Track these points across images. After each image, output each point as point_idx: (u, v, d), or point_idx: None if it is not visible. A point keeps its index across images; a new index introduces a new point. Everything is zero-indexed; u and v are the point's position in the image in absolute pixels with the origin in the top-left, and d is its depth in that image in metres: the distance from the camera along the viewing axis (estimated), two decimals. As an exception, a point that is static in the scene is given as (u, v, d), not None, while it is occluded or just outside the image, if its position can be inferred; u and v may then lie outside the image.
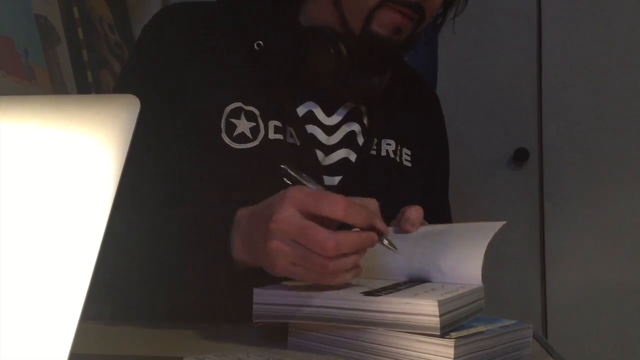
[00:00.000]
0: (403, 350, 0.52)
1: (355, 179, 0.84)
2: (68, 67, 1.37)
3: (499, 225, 0.64)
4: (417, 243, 0.67)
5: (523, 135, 1.98)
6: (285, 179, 0.64)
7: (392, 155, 0.89)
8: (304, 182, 0.63)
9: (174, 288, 0.71)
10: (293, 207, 0.58)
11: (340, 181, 0.83)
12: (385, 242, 0.61)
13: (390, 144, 0.90)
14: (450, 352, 0.50)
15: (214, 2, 0.90)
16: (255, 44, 0.83)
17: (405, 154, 0.92)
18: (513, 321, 0.59)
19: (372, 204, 0.61)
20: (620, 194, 1.92)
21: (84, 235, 0.39)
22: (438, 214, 0.99)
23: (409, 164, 0.91)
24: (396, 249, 0.62)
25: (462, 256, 0.63)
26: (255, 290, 0.61)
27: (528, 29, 1.99)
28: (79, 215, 0.40)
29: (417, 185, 0.92)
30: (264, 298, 0.60)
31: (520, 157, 1.96)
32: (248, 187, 0.78)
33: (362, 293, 0.57)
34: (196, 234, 0.69)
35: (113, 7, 1.69)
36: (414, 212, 0.70)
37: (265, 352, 0.56)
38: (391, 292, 0.57)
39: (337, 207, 0.57)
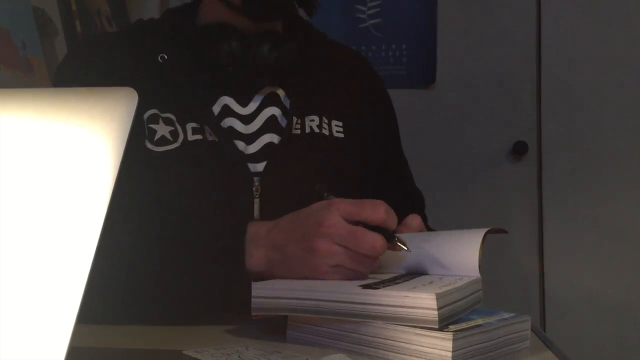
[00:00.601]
0: (402, 344, 0.52)
1: (281, 161, 0.85)
2: (66, 59, 1.36)
3: (492, 228, 0.64)
4: (415, 237, 0.67)
5: (522, 128, 1.98)
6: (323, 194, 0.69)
7: (317, 130, 0.89)
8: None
9: (178, 298, 0.70)
10: (339, 215, 0.63)
11: (265, 166, 0.84)
12: (398, 242, 0.63)
13: (313, 120, 0.90)
14: (449, 345, 0.50)
15: (120, 31, 0.95)
16: (159, 57, 0.87)
17: (336, 125, 0.92)
18: (511, 314, 0.59)
19: (382, 205, 0.65)
20: (618, 189, 1.92)
21: (83, 228, 0.39)
22: (395, 171, 1.00)
23: (342, 135, 0.92)
24: (408, 249, 0.63)
25: (459, 247, 0.63)
26: (254, 284, 0.61)
27: (527, 23, 1.98)
28: (78, 208, 0.40)
29: (355, 154, 0.92)
30: (262, 291, 0.60)
31: (519, 150, 1.96)
32: (174, 188, 0.81)
33: (360, 286, 0.57)
34: (209, 253, 0.70)
35: (111, 0, 1.68)
36: (412, 220, 0.74)
37: (264, 346, 0.56)
38: (389, 285, 0.57)
39: (378, 212, 0.63)
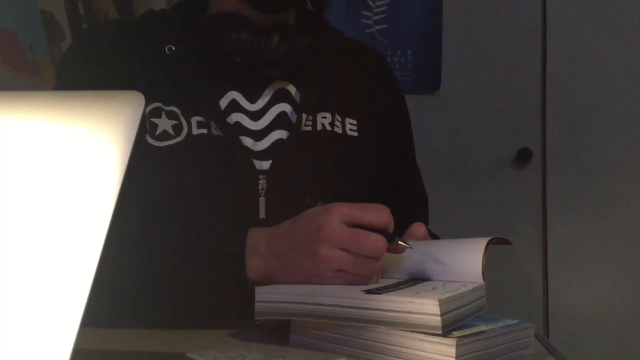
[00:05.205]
0: (405, 349, 0.52)
1: (288, 159, 0.82)
2: (73, 62, 1.37)
3: (496, 238, 0.64)
4: (418, 244, 0.67)
5: (526, 135, 1.98)
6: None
7: (328, 128, 0.86)
8: None
9: (180, 306, 0.69)
10: (339, 219, 0.62)
11: (271, 163, 0.82)
12: (400, 242, 0.63)
13: (325, 117, 0.87)
14: (452, 351, 0.50)
15: (130, 20, 0.91)
16: (166, 49, 0.84)
17: (350, 123, 0.89)
18: (515, 321, 0.59)
19: (386, 209, 0.64)
20: (623, 195, 1.92)
21: (88, 232, 0.39)
22: (407, 178, 0.98)
23: (355, 134, 0.89)
24: (411, 246, 0.63)
25: (463, 254, 0.63)
26: (257, 288, 0.61)
27: (533, 30, 1.98)
28: (84, 212, 0.40)
29: (369, 153, 0.90)
30: (266, 296, 0.61)
31: (523, 156, 1.96)
32: (175, 184, 0.79)
33: (363, 291, 0.57)
34: (210, 262, 0.68)
35: (117, 2, 1.69)
36: (417, 228, 0.73)
37: (267, 350, 0.56)
38: (392, 291, 0.57)
39: (381, 215, 0.63)
